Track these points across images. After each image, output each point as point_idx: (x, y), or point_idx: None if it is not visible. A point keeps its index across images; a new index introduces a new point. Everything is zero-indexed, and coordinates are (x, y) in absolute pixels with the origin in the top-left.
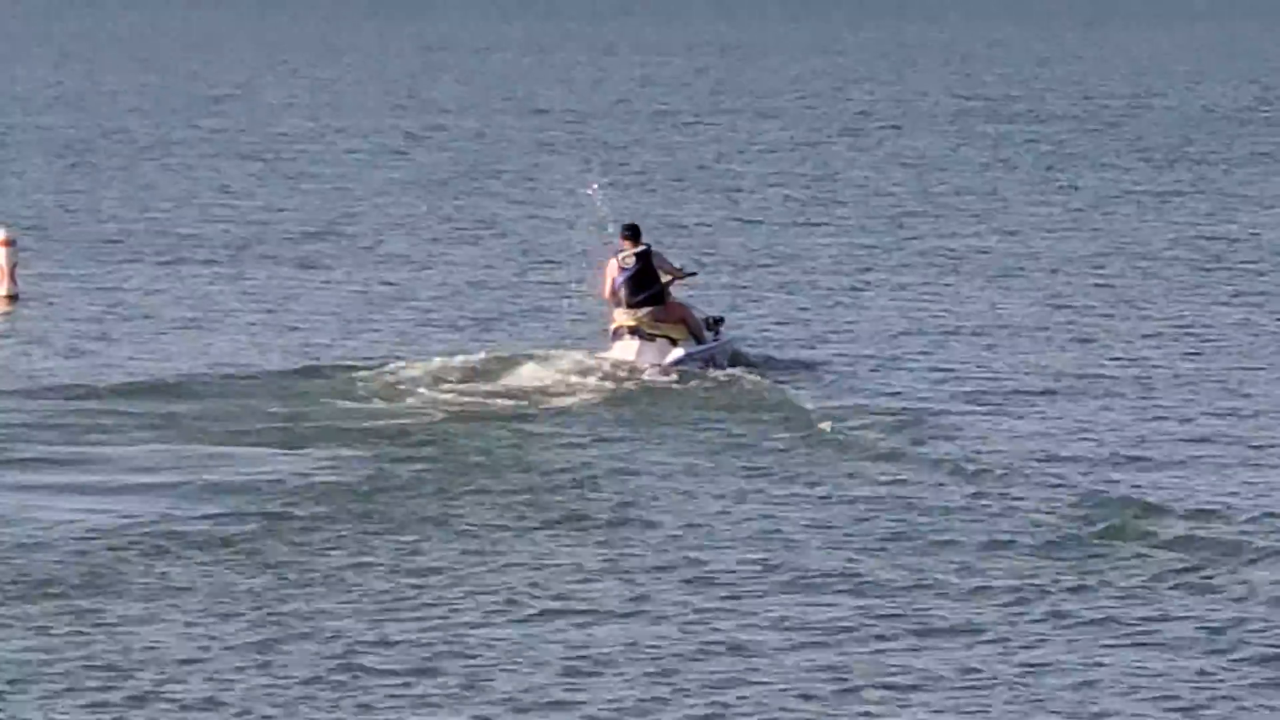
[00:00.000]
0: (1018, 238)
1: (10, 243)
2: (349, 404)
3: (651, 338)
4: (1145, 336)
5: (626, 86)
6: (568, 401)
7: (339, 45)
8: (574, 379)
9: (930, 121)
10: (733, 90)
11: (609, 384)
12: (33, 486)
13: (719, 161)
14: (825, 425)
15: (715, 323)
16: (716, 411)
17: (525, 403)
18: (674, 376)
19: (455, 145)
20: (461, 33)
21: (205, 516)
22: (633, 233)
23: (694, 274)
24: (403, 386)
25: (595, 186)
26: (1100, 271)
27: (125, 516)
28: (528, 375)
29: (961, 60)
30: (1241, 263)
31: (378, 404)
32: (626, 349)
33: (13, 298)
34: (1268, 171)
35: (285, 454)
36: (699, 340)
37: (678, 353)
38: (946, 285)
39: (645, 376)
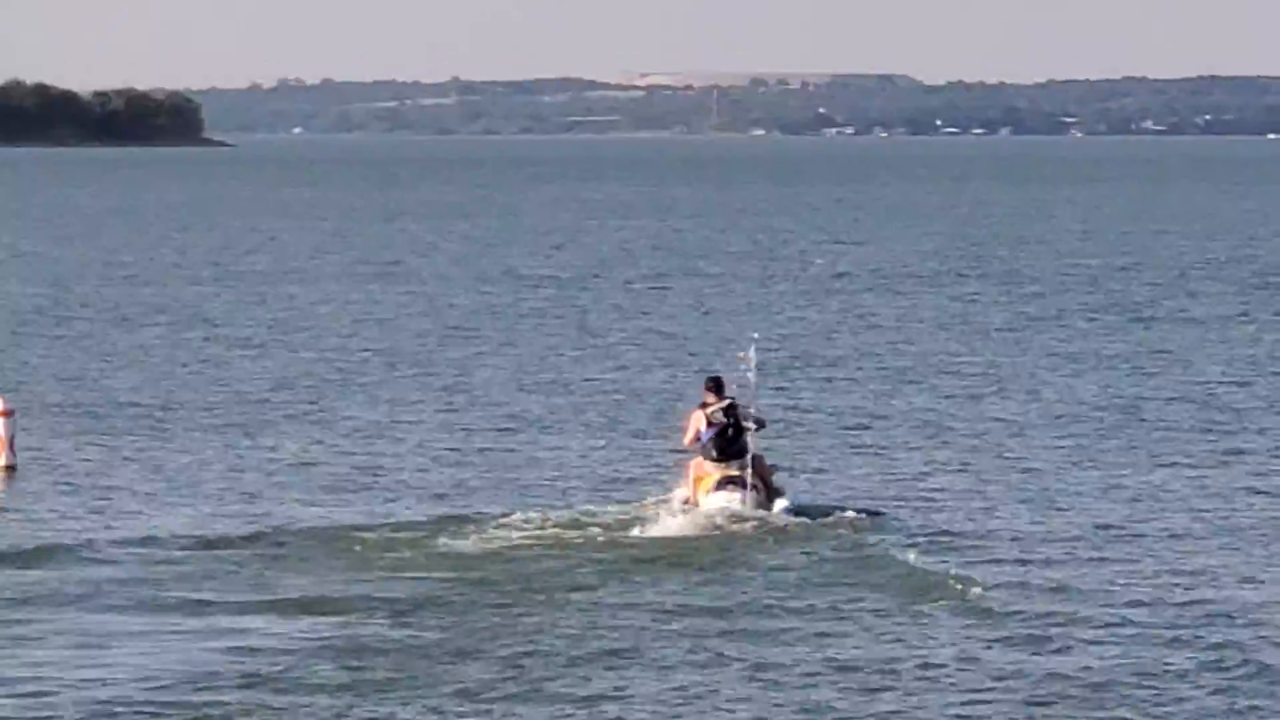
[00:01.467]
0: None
1: (9, 413)
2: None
3: (752, 487)
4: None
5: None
6: (720, 554)
7: (316, 210)
8: (704, 530)
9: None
10: (678, 251)
11: (746, 530)
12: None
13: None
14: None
15: (759, 425)
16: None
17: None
18: (790, 522)
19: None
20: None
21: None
22: (718, 385)
23: (764, 424)
24: (509, 540)
25: (746, 354)
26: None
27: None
28: (656, 530)
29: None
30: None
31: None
32: (731, 499)
33: (10, 468)
34: (1209, 329)
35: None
36: (769, 484)
37: (783, 503)
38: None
39: (761, 524)
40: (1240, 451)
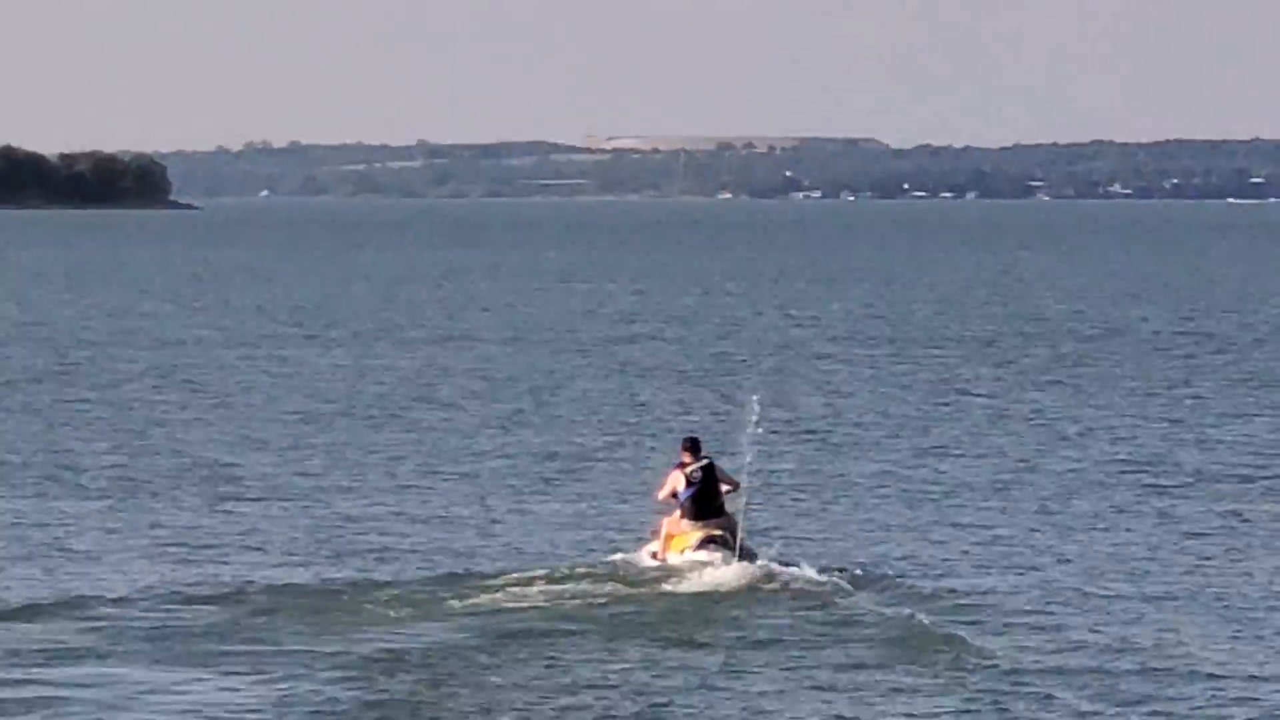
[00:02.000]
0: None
1: None
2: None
3: (728, 544)
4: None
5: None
6: (706, 612)
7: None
8: (688, 589)
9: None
10: (646, 314)
11: (732, 589)
12: None
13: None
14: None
15: (734, 486)
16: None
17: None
18: (774, 581)
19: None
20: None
21: None
22: (694, 446)
23: (739, 485)
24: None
25: (755, 400)
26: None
27: None
28: (633, 586)
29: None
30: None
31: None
32: (713, 558)
33: None
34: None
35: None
36: (742, 546)
37: (759, 563)
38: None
39: (745, 583)
40: (1179, 514)
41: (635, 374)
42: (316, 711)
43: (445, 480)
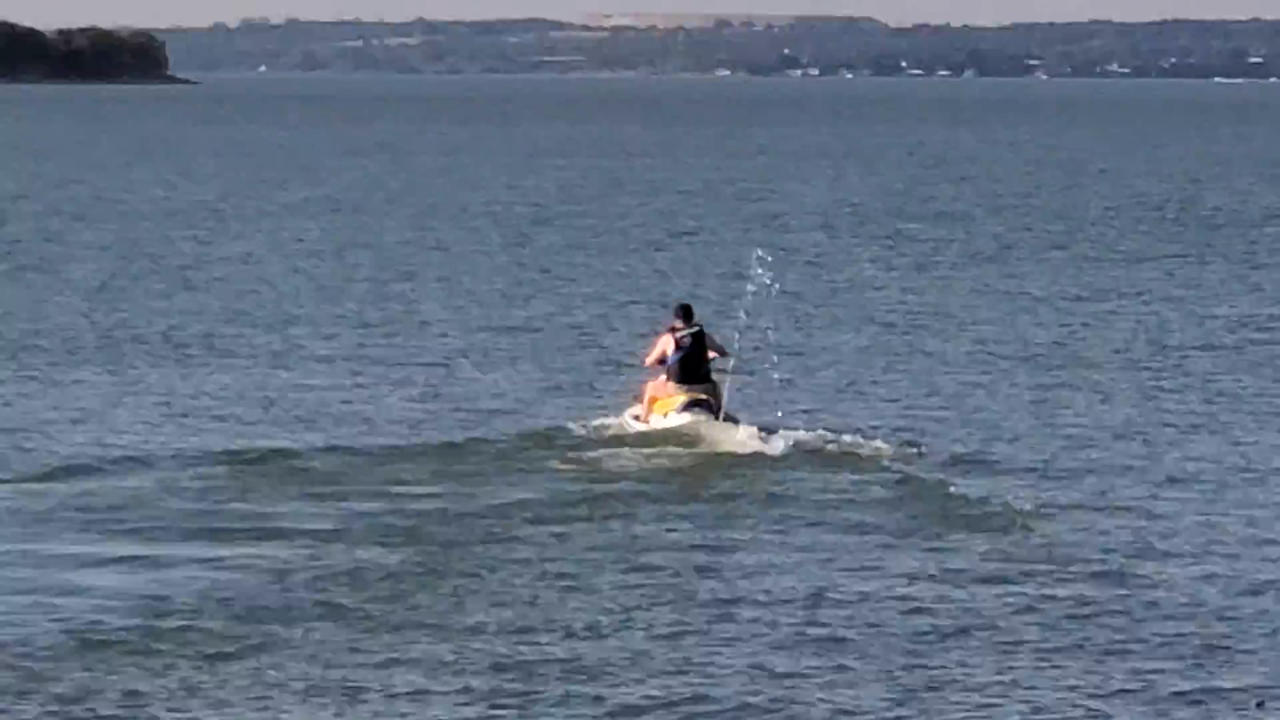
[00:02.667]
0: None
1: None
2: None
3: (713, 409)
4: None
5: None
6: (685, 477)
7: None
8: (676, 451)
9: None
10: (632, 185)
11: (718, 455)
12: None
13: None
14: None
15: (722, 354)
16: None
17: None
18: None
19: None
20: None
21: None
22: (687, 312)
23: (727, 353)
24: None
25: (759, 254)
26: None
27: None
28: (614, 449)
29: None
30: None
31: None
32: (698, 419)
33: None
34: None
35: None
36: (725, 412)
37: (744, 429)
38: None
39: (732, 447)
40: (1171, 386)
41: (629, 246)
42: (314, 578)
43: (430, 350)
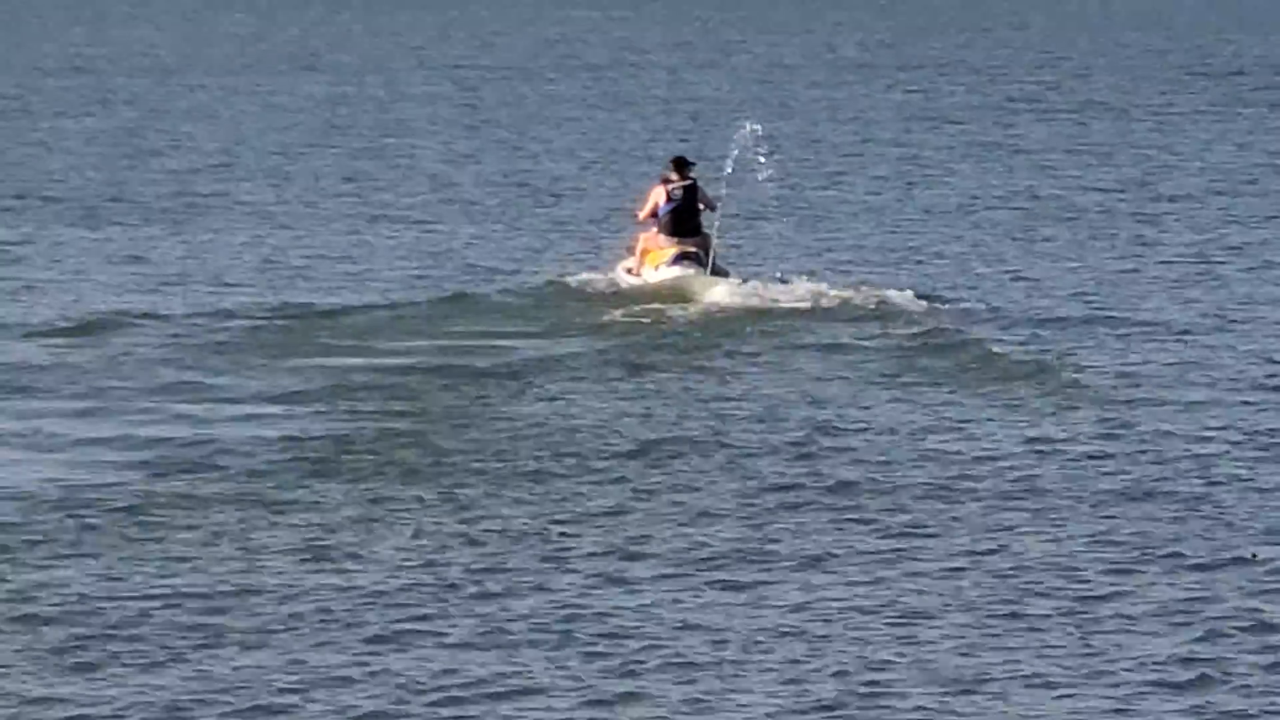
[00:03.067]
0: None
1: None
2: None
3: (702, 262)
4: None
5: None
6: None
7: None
8: (664, 306)
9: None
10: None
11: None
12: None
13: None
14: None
15: (712, 208)
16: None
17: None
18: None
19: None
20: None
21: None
22: (682, 164)
23: (716, 208)
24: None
25: (749, 128)
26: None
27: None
28: (612, 299)
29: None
30: None
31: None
32: (687, 272)
33: None
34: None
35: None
36: (716, 264)
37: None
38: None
39: (719, 299)
40: (1158, 237)
41: (620, 103)
42: (289, 440)
43: (417, 207)
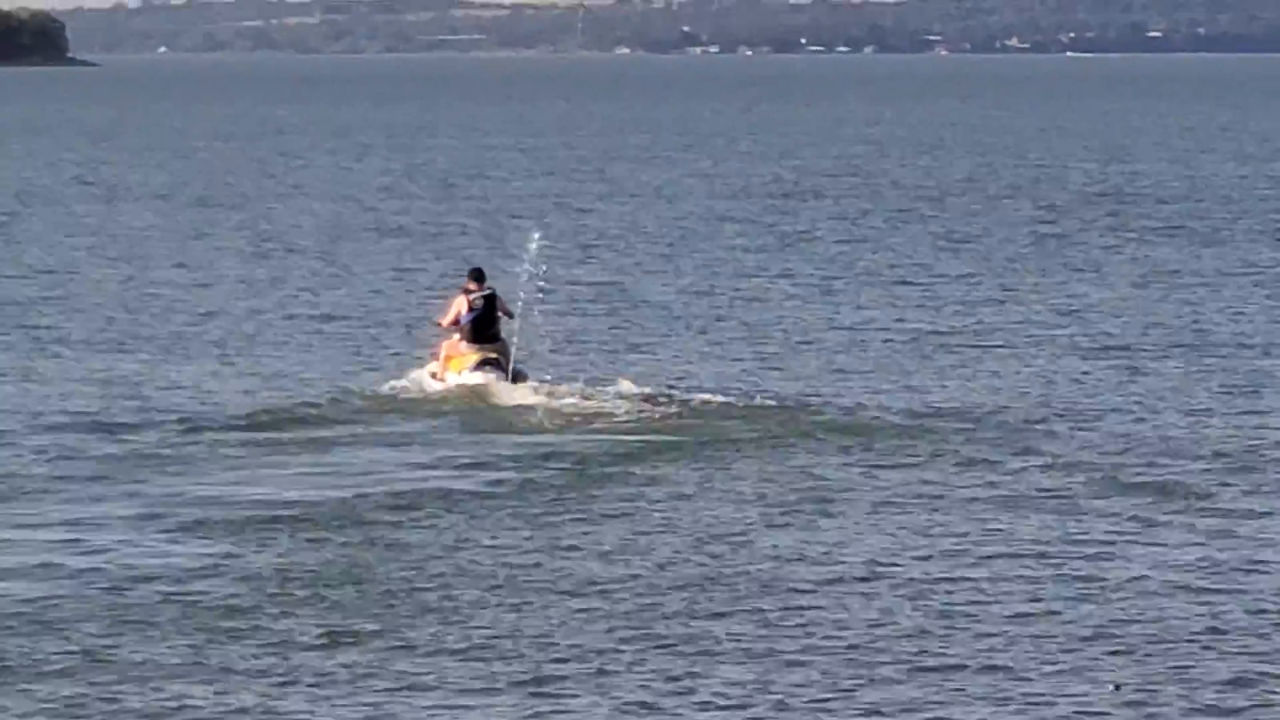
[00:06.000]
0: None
1: None
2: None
3: (503, 367)
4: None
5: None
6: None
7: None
8: (468, 407)
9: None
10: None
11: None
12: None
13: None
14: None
15: (510, 316)
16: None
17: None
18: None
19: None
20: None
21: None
22: (479, 275)
23: (514, 315)
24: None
25: (537, 237)
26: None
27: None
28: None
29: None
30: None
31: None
32: (489, 378)
33: None
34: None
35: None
36: (513, 369)
37: (528, 384)
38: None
39: (518, 401)
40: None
41: (402, 236)
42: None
43: (226, 331)
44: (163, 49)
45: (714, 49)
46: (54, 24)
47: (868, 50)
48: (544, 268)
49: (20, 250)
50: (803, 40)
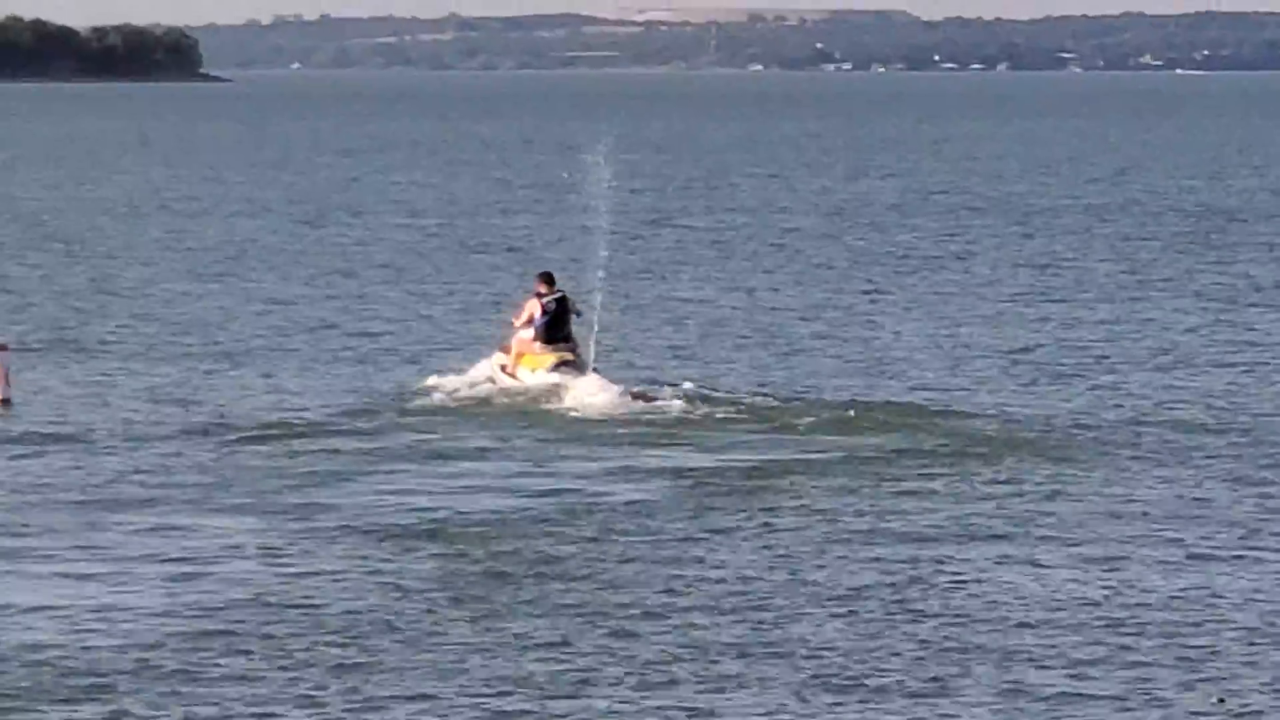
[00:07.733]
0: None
1: (3, 348)
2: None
3: (577, 367)
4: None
5: None
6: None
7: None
8: (559, 403)
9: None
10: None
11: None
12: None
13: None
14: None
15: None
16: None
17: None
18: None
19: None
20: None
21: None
22: (549, 278)
23: (582, 314)
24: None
25: (601, 149)
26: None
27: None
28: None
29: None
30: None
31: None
32: (566, 377)
33: (6, 401)
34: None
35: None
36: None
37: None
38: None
39: (601, 401)
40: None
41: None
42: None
43: (301, 335)
44: (296, 65)
45: (847, 66)
46: (187, 40)
47: (1001, 67)
48: (610, 180)
49: (109, 265)
50: (936, 58)
